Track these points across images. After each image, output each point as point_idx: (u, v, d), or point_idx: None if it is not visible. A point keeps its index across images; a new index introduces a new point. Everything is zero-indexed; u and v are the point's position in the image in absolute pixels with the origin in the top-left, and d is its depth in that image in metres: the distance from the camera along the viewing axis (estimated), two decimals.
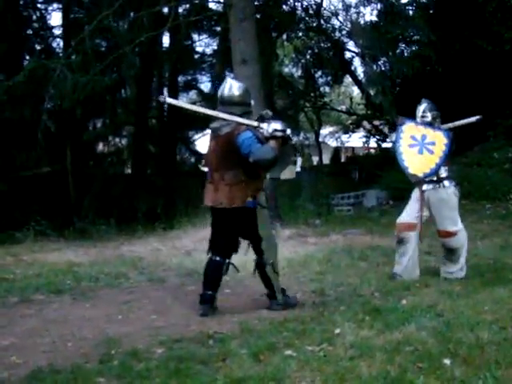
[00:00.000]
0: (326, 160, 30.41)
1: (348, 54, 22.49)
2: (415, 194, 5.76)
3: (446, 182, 5.68)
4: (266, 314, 4.71)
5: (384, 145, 22.97)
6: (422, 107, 5.90)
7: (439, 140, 5.64)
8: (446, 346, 3.47)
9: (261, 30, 13.54)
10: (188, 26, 16.91)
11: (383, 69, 17.08)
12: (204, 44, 23.37)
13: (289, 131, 4.70)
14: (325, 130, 33.11)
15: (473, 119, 6.08)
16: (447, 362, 3.23)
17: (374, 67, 16.19)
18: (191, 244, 8.95)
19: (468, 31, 14.92)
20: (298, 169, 5.63)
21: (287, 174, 5.32)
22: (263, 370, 3.25)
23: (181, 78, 21.57)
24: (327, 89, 25.87)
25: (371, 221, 11.54)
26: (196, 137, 26.55)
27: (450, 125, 6.01)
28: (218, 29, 19.82)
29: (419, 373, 3.10)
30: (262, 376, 3.14)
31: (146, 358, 3.62)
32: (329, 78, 23.41)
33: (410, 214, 5.74)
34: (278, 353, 3.54)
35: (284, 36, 21.20)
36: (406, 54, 17.39)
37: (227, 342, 3.85)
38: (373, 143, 24.48)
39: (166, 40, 19.17)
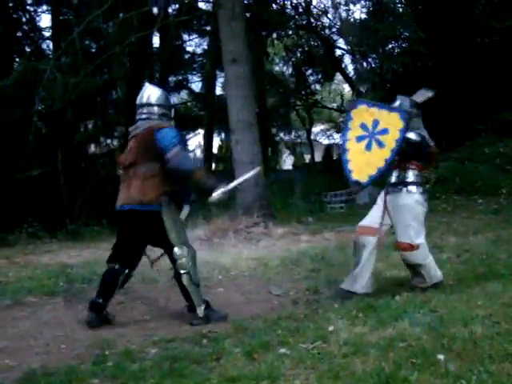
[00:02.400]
0: (318, 158, 30.40)
1: (338, 52, 22.59)
2: (380, 196, 5.08)
3: (413, 188, 4.85)
4: (259, 312, 4.69)
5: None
6: (395, 104, 4.99)
7: (393, 125, 4.61)
8: (440, 342, 3.46)
9: (250, 29, 13.55)
10: (178, 26, 16.92)
11: (373, 66, 17.12)
12: (194, 44, 23.44)
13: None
14: (316, 128, 33.13)
15: (428, 93, 5.05)
16: (441, 357, 3.22)
17: (364, 64, 16.22)
18: None
19: (457, 24, 14.94)
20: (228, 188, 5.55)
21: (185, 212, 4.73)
22: (257, 368, 3.23)
23: (171, 78, 21.58)
24: (318, 86, 25.93)
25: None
26: (188, 137, 26.55)
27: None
28: (208, 28, 19.83)
29: (413, 369, 3.09)
30: (256, 375, 3.13)
31: (139, 358, 3.59)
32: (319, 75, 23.47)
33: (372, 218, 5.03)
34: (272, 351, 3.53)
35: (274, 35, 21.25)
36: (396, 51, 17.43)
37: (221, 341, 3.83)
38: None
39: (155, 40, 19.17)
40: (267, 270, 6.64)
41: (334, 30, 20.79)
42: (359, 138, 4.71)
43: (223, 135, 27.11)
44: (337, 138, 28.78)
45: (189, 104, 26.00)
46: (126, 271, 4.57)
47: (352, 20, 17.66)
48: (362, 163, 4.64)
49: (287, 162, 33.99)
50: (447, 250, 7.07)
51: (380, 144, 4.60)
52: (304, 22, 20.23)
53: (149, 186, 4.41)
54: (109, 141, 18.30)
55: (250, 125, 10.50)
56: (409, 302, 4.47)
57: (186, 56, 22.49)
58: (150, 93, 4.73)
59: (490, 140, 13.73)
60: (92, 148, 18.79)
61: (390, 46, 17.40)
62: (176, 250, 4.46)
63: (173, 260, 4.51)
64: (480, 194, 11.51)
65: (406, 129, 4.60)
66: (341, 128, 26.30)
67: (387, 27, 14.85)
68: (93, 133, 17.81)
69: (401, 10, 16.77)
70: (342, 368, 3.16)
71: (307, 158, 30.73)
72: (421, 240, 4.83)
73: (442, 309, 4.23)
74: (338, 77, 26.33)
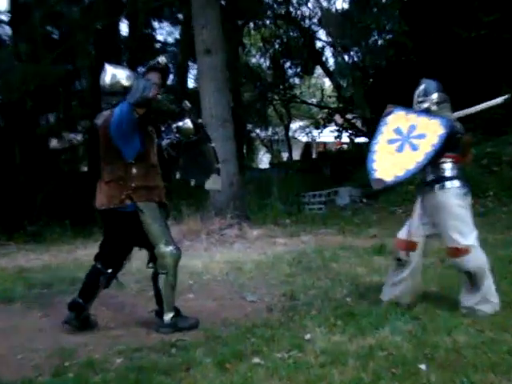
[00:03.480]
0: (297, 156, 30.54)
1: (319, 44, 22.67)
2: (417, 202, 4.86)
3: (448, 183, 4.60)
4: (232, 319, 4.70)
5: (357, 139, 23.18)
6: (419, 90, 4.88)
7: (432, 131, 4.51)
8: (422, 351, 3.52)
9: (226, 17, 13.53)
10: (148, 12, 16.81)
11: (355, 59, 17.23)
12: (165, 33, 23.23)
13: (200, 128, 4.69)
14: (295, 125, 33.25)
15: (498, 100, 4.98)
16: (423, 367, 3.27)
17: (346, 57, 16.32)
18: None
19: (443, 17, 15.11)
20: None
21: (211, 183, 4.84)
22: (229, 379, 3.24)
23: (141, 69, 21.39)
24: (297, 80, 25.98)
25: (344, 220, 11.63)
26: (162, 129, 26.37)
27: (466, 111, 5.01)
28: (181, 16, 19.75)
29: (393, 379, 3.13)
30: None
31: (103, 369, 3.58)
32: (298, 68, 23.51)
33: (409, 228, 4.78)
34: (245, 361, 3.54)
35: (251, 24, 21.25)
36: (379, 44, 17.56)
37: (191, 350, 3.83)
38: (345, 138, 24.65)
39: (124, 28, 19.04)
40: (241, 274, 6.65)
41: (314, 20, 20.87)
42: (391, 141, 4.67)
43: None
44: (316, 135, 28.91)
45: (159, 97, 25.87)
46: (109, 271, 4.57)
47: (334, 10, 17.76)
48: (389, 163, 4.53)
49: (264, 160, 34.10)
50: (430, 254, 7.10)
51: (414, 147, 4.52)
52: (283, 12, 20.28)
53: (113, 191, 4.41)
54: (72, 135, 18.11)
55: (224, 120, 10.48)
56: (390, 309, 4.51)
57: (157, 45, 22.36)
58: (112, 75, 4.59)
59: (477, 139, 13.87)
60: (54, 143, 18.58)
61: (373, 38, 17.53)
62: (157, 249, 4.47)
63: (154, 259, 4.52)
64: None
65: (447, 136, 4.44)
66: (319, 125, 26.44)
67: (370, 18, 14.96)
68: (54, 126, 17.61)
69: (384, 0, 16.91)
70: (318, 379, 3.18)
71: (285, 156, 30.83)
72: (470, 241, 4.53)
73: (424, 316, 4.29)
74: (319, 70, 26.45)
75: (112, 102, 4.47)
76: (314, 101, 30.77)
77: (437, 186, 4.62)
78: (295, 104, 29.73)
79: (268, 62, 24.24)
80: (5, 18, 16.56)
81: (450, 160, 4.65)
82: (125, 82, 4.48)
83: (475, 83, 14.82)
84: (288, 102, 27.67)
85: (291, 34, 21.39)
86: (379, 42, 17.82)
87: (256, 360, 3.54)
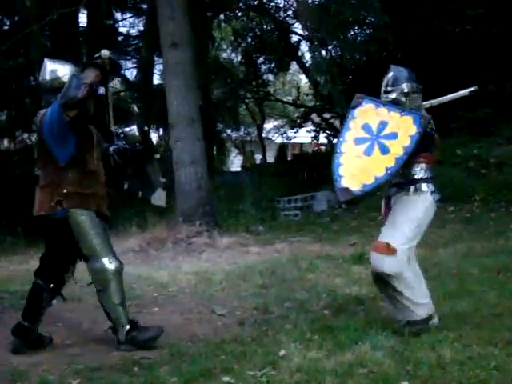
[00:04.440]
0: (271, 158, 30.63)
1: (294, 38, 22.75)
2: (383, 205, 4.80)
3: (424, 186, 4.48)
4: (200, 334, 4.67)
5: (335, 141, 23.31)
6: (387, 78, 4.71)
7: (404, 130, 4.30)
8: (405, 367, 3.53)
9: (193, 8, 13.51)
10: (109, 2, 16.71)
11: (333, 54, 17.30)
12: (128, 24, 23.13)
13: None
14: (269, 125, 33.32)
15: (466, 92, 4.92)
16: None
17: (323, 52, 16.38)
18: None
19: (427, 10, 15.27)
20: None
21: (157, 198, 4.77)
22: None
23: None
24: (271, 77, 26.07)
25: (321, 227, 11.67)
26: (120, 132, 26.19)
27: (432, 101, 4.82)
28: (145, 7, 19.69)
29: None
30: None
31: None
32: (272, 64, 23.57)
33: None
34: (215, 379, 3.52)
35: (221, 16, 21.24)
36: (359, 38, 17.69)
37: (155, 368, 3.80)
38: (323, 139, 24.78)
39: (82, 19, 18.90)
40: (210, 285, 6.63)
41: (289, 12, 20.99)
42: (359, 141, 4.41)
43: (161, 131, 26.91)
44: (292, 135, 29.00)
45: (121, 94, 25.71)
46: (51, 286, 4.47)
47: (310, 1, 17.83)
48: (357, 169, 4.32)
49: (235, 162, 34.07)
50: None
51: (384, 149, 4.29)
52: (255, 3, 20.33)
53: (43, 197, 4.38)
54: (25, 135, 17.91)
55: (192, 120, 10.47)
56: (370, 322, 4.54)
57: (119, 38, 22.26)
58: (50, 71, 4.51)
59: (463, 140, 14.04)
60: (5, 143, 18.37)
61: (353, 32, 17.66)
62: (90, 263, 4.39)
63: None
64: (451, 201, 11.75)
65: (420, 136, 4.26)
66: (294, 125, 26.41)
67: (349, 11, 15.06)
68: (6, 125, 17.40)
69: None
70: None
71: (258, 158, 30.86)
72: (404, 246, 4.31)
73: (407, 330, 4.31)
74: (294, 66, 26.57)
75: (51, 99, 4.37)
76: (290, 99, 30.92)
77: (412, 189, 4.46)
78: (269, 102, 29.84)
79: (240, 57, 24.26)
80: None
81: (424, 161, 4.52)
82: (65, 79, 4.37)
83: (460, 79, 14.98)
84: (261, 100, 27.78)
85: (265, 27, 21.41)
86: (359, 36, 17.98)
87: (226, 379, 3.52)
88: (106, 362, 4.03)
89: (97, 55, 4.35)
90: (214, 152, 25.50)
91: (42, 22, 11.88)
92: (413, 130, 4.27)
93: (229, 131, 30.26)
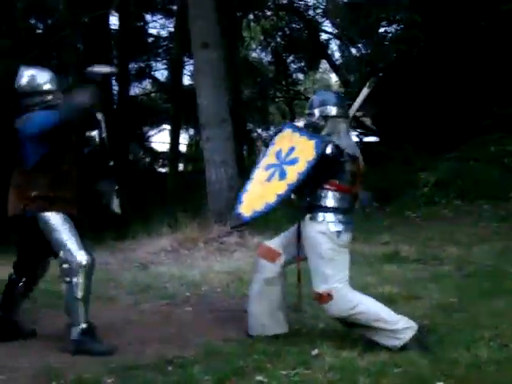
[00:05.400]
0: None
1: (324, 36, 22.65)
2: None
3: (320, 215, 4.21)
4: (233, 334, 4.68)
5: (366, 139, 23.16)
6: (310, 100, 4.65)
7: (305, 155, 4.16)
8: (439, 367, 3.49)
9: (223, 8, 13.55)
10: (139, 4, 16.83)
11: (363, 52, 17.21)
12: (158, 26, 23.24)
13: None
14: (299, 124, 33.21)
15: (366, 89, 4.80)
16: None
17: (353, 51, 16.31)
18: (147, 255, 8.88)
19: (458, 5, 15.07)
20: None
21: (114, 205, 4.74)
22: None
23: (132, 65, 21.43)
24: (301, 76, 25.99)
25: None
26: (151, 133, 26.39)
27: (353, 108, 4.75)
28: (175, 8, 19.76)
29: None
30: None
31: None
32: (302, 63, 23.51)
33: (278, 239, 4.68)
34: (248, 378, 3.53)
35: (250, 16, 21.25)
36: (389, 36, 17.55)
37: (189, 367, 3.81)
38: (353, 137, 24.63)
39: (113, 21, 19.06)
40: (242, 285, 6.62)
41: (319, 11, 20.90)
42: (268, 167, 4.36)
43: (192, 131, 27.03)
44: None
45: (152, 95, 25.89)
46: (23, 280, 4.71)
47: (339, 0, 17.76)
48: (256, 195, 4.28)
49: None
50: (448, 262, 7.13)
51: (282, 175, 4.20)
52: (285, 2, 20.30)
53: (12, 198, 4.53)
54: None
55: (222, 120, 10.48)
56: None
57: (150, 39, 22.41)
58: (22, 79, 4.63)
59: (497, 137, 13.81)
60: None
61: (383, 30, 17.54)
62: (60, 255, 4.43)
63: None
64: (485, 199, 11.60)
65: (316, 162, 4.07)
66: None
67: (380, 9, 14.95)
68: None
69: None
70: None
71: None
72: (332, 283, 4.14)
73: (441, 329, 4.27)
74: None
75: (27, 103, 4.55)
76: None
77: (308, 216, 4.25)
78: (299, 101, 29.72)
79: (269, 57, 24.24)
80: None
81: (331, 188, 4.24)
82: (46, 86, 4.57)
83: (494, 75, 14.79)
84: (291, 99, 27.68)
85: (294, 25, 21.38)
86: (389, 34, 17.83)
87: (259, 378, 3.52)
88: (140, 361, 4.06)
89: (93, 70, 4.50)
90: (245, 152, 25.52)
91: (74, 26, 12.01)
92: (311, 155, 4.11)
93: (259, 130, 30.27)
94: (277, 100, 27.70)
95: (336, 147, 4.17)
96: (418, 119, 14.94)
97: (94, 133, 4.85)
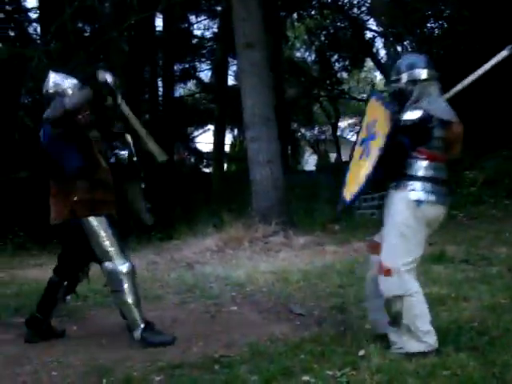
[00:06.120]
0: (346, 157, 30.34)
1: (368, 34, 22.49)
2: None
3: (404, 183, 3.90)
4: (279, 334, 4.68)
5: None
6: (395, 66, 4.19)
7: (383, 127, 3.87)
8: (491, 370, 3.43)
9: (267, 8, 13.56)
10: (184, 6, 16.96)
11: (409, 50, 17.04)
12: (203, 27, 23.42)
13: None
14: (343, 123, 33.09)
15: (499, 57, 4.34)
16: None
17: (399, 48, 16.15)
18: (192, 255, 8.96)
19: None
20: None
21: (147, 217, 4.96)
22: None
23: (177, 66, 21.66)
24: (345, 75, 25.90)
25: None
26: (196, 133, 26.61)
27: (456, 89, 4.23)
28: (219, 9, 19.89)
29: None
30: None
31: None
32: (347, 62, 23.42)
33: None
34: (294, 378, 3.52)
35: (294, 15, 21.24)
36: (435, 32, 17.32)
37: (235, 366, 3.82)
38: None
39: (159, 23, 19.27)
40: (287, 285, 6.63)
41: (363, 8, 20.77)
42: (362, 142, 4.11)
43: (236, 131, 27.18)
44: None
45: (197, 96, 26.11)
46: (65, 283, 4.81)
47: None
48: (353, 176, 4.08)
49: (310, 161, 33.98)
50: (497, 262, 6.99)
51: (367, 152, 3.95)
52: (329, 0, 20.23)
53: (56, 206, 4.62)
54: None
55: (266, 119, 10.50)
56: (453, 322, 4.44)
57: (194, 41, 22.59)
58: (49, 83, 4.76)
59: None
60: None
61: (429, 26, 17.30)
62: (102, 266, 4.57)
63: None
64: None
65: (391, 135, 3.77)
66: None
67: (426, 5, 14.76)
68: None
69: None
70: None
71: (333, 156, 30.69)
72: (397, 264, 3.85)
73: (492, 331, 4.19)
74: (369, 63, 26.29)
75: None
76: (364, 96, 30.56)
77: (393, 184, 3.97)
78: (343, 100, 29.61)
79: (313, 56, 24.24)
80: (34, 15, 17.03)
81: (420, 156, 3.89)
82: (69, 91, 4.67)
83: None
84: (336, 98, 27.59)
85: (338, 24, 21.31)
86: (435, 30, 17.60)
87: (306, 378, 3.51)
88: (187, 360, 4.09)
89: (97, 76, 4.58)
90: (289, 151, 25.53)
91: (120, 28, 12.17)
92: (386, 129, 3.81)
93: (303, 130, 30.26)
94: (321, 99, 27.65)
95: (424, 112, 3.81)
96: (465, 117, 14.71)
97: (124, 152, 4.99)
